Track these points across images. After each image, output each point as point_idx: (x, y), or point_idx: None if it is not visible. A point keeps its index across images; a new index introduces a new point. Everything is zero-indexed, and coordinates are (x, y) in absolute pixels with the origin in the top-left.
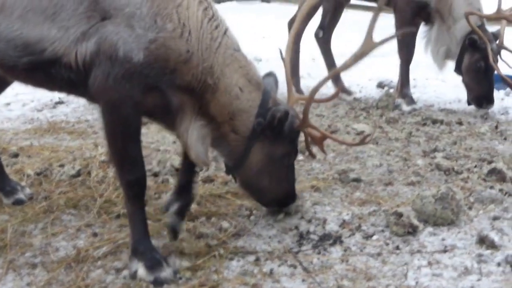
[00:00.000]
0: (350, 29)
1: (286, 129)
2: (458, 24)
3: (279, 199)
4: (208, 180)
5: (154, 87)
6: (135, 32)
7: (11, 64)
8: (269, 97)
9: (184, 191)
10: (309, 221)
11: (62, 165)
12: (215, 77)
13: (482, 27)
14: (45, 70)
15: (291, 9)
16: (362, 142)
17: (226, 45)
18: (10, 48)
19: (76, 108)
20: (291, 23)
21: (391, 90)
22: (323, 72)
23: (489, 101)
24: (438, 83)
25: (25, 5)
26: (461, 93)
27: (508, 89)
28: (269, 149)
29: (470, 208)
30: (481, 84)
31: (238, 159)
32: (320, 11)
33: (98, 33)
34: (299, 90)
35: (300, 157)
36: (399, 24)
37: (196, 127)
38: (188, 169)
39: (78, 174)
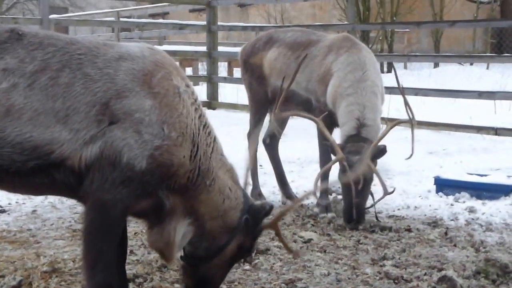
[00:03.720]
0: (297, 136)
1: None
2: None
3: None
4: None
5: (150, 193)
6: (142, 138)
7: (13, 170)
8: (247, 195)
9: None
10: None
11: (2, 276)
12: (211, 179)
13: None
14: (48, 174)
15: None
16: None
17: (217, 150)
18: (16, 152)
19: (18, 217)
20: (249, 135)
21: (339, 197)
22: (269, 178)
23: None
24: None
25: (36, 108)
26: (409, 199)
27: (457, 194)
28: (241, 241)
29: None
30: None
31: (216, 250)
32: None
33: (104, 137)
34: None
35: (246, 266)
36: (319, 133)
37: (183, 225)
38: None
39: (19, 285)
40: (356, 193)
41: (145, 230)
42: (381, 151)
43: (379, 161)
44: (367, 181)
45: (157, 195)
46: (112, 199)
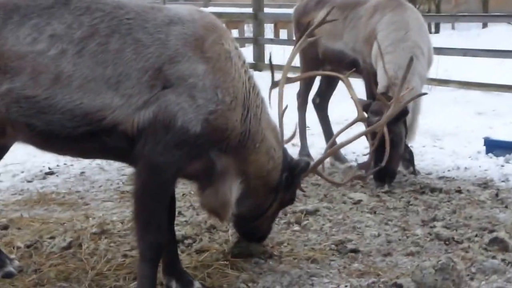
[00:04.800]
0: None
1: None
2: None
3: (264, 236)
4: (201, 251)
5: (202, 155)
6: (196, 102)
7: (64, 135)
8: (287, 152)
9: (174, 268)
10: None
11: (52, 237)
12: (259, 141)
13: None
14: (99, 139)
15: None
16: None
17: (265, 111)
18: (66, 119)
19: (67, 179)
20: (299, 95)
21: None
22: (316, 139)
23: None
24: (436, 150)
25: (86, 75)
26: (459, 160)
27: (507, 155)
28: (283, 196)
29: (471, 279)
30: None
31: (263, 209)
32: (318, 78)
33: (158, 101)
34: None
35: (295, 227)
36: (368, 93)
37: (236, 185)
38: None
39: (69, 246)
40: (378, 153)
41: (194, 192)
42: (402, 112)
43: (426, 123)
44: (393, 142)
45: (209, 157)
46: (165, 161)
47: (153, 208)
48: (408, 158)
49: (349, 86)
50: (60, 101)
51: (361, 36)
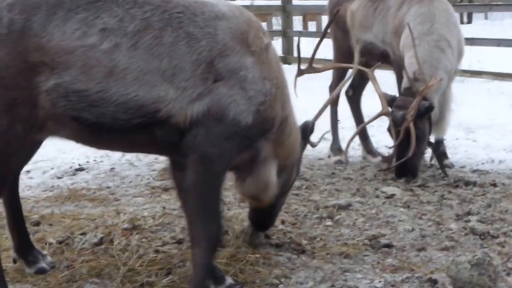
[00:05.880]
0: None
1: None
2: None
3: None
4: (233, 246)
5: (251, 145)
6: (248, 94)
7: (116, 128)
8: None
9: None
10: None
11: (84, 233)
12: (291, 126)
13: None
14: (150, 131)
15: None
16: None
17: (290, 96)
18: (120, 111)
19: (97, 175)
20: (331, 87)
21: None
22: (347, 133)
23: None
24: (469, 143)
25: (142, 68)
26: (493, 153)
27: None
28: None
29: (508, 274)
30: None
31: (288, 186)
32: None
33: (211, 94)
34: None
35: (328, 222)
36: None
37: (274, 168)
38: None
39: (100, 242)
40: (400, 147)
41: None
42: (426, 108)
43: (459, 115)
44: (416, 137)
45: (256, 147)
46: (217, 153)
47: (210, 198)
48: (436, 154)
49: (374, 80)
50: (114, 94)
51: (390, 28)
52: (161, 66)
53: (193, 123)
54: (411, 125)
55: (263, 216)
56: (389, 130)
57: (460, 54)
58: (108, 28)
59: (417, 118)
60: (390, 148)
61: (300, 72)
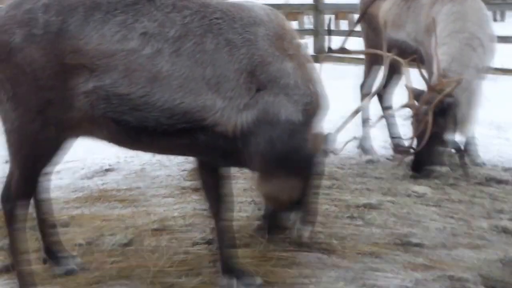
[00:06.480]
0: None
1: None
2: None
3: None
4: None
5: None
6: (293, 99)
7: (160, 130)
8: None
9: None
10: None
11: (113, 234)
12: None
13: None
14: (193, 136)
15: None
16: None
17: None
18: (164, 116)
19: (127, 175)
20: (362, 86)
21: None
22: (377, 132)
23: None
24: (501, 142)
25: (186, 75)
26: None
27: None
28: None
29: None
30: None
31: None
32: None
33: (258, 104)
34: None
35: (359, 222)
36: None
37: None
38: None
39: (130, 243)
40: (419, 142)
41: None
42: (448, 105)
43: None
44: (435, 134)
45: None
46: (289, 149)
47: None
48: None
49: (406, 71)
50: (159, 100)
51: (422, 26)
52: (206, 74)
53: (248, 133)
54: (430, 120)
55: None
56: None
57: (492, 53)
58: (149, 32)
59: (439, 114)
60: (408, 139)
61: (330, 51)
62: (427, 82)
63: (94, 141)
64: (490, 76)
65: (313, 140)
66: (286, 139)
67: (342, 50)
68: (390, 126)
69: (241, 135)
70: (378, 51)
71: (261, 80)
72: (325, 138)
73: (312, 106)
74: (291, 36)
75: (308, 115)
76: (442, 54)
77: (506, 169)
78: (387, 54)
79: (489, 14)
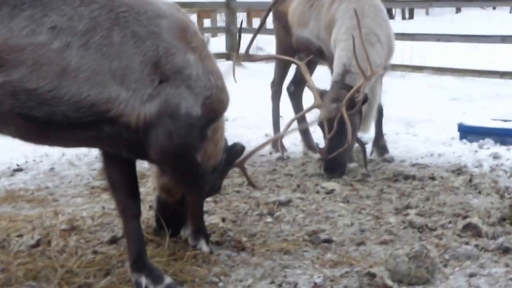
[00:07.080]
0: (322, 85)
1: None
2: None
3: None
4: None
5: (203, 133)
6: (194, 91)
7: (66, 124)
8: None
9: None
10: (280, 286)
11: (20, 235)
12: (223, 126)
13: None
14: (99, 129)
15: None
16: None
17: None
18: (72, 110)
19: (36, 175)
20: (273, 84)
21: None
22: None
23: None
24: (409, 138)
25: (94, 68)
26: (433, 147)
27: (480, 140)
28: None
29: (445, 266)
30: None
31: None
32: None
33: (160, 95)
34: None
35: (268, 219)
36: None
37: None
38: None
39: (37, 244)
40: (332, 141)
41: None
42: (364, 101)
43: (400, 110)
44: (351, 131)
45: (205, 134)
46: (184, 148)
47: (193, 180)
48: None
49: (306, 72)
50: (67, 93)
51: (322, 24)
52: (112, 67)
53: (149, 124)
54: (346, 117)
55: (170, 214)
56: (320, 124)
57: (390, 50)
58: (58, 26)
59: (349, 111)
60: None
61: (238, 58)
62: (364, 73)
63: (1, 140)
64: (398, 73)
65: (214, 145)
66: (183, 134)
67: (248, 56)
68: (303, 133)
69: (143, 126)
70: (279, 56)
71: (164, 71)
72: (226, 148)
73: (211, 100)
74: (194, 30)
75: (208, 109)
76: (341, 50)
77: (413, 165)
78: (289, 59)
79: (398, 11)
